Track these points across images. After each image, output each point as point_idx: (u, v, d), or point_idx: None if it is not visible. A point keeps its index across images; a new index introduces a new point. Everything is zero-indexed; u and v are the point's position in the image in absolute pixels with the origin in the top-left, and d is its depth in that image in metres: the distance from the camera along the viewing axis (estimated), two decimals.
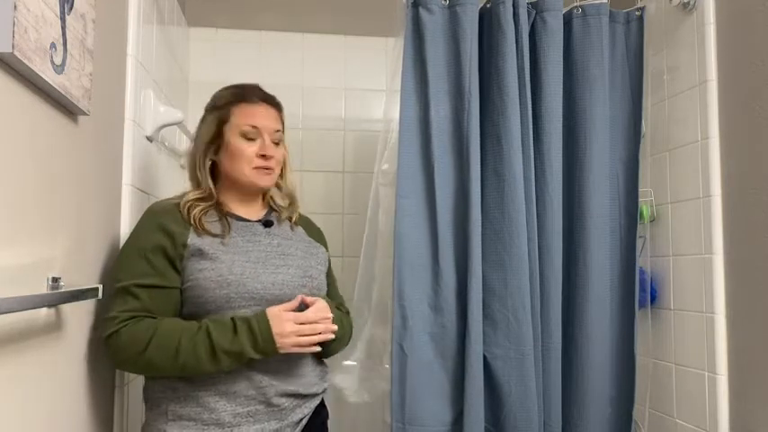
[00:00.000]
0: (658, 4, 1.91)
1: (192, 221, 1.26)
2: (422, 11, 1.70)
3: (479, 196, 1.65)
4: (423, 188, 1.68)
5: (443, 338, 1.65)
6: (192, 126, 1.42)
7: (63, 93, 1.01)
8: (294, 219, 1.43)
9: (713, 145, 1.69)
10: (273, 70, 2.36)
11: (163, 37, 1.85)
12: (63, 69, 1.00)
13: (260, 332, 1.17)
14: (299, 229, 1.44)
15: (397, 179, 1.66)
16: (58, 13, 0.98)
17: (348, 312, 1.48)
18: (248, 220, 1.35)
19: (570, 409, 1.73)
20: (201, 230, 1.26)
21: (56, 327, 1.08)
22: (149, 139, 1.64)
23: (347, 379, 1.80)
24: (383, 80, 2.35)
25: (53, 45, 0.95)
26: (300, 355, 1.28)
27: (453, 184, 1.68)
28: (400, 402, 1.61)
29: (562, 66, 1.75)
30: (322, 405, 1.39)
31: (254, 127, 1.30)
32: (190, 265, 1.22)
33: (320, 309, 1.25)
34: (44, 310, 1.02)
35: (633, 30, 1.86)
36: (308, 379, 1.31)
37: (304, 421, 1.30)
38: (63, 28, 0.99)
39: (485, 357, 1.64)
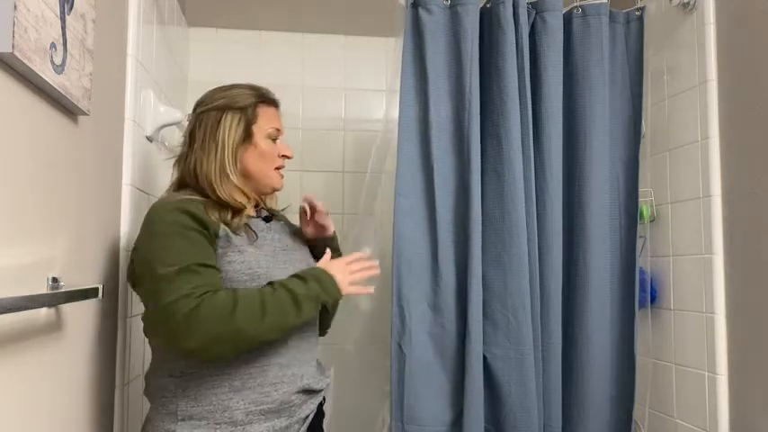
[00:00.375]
0: (658, 4, 1.91)
1: (219, 217, 1.25)
2: (421, 11, 1.70)
3: (480, 196, 1.65)
4: (422, 188, 1.68)
5: (443, 338, 1.65)
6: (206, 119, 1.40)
7: (63, 93, 1.01)
8: (275, 205, 1.45)
9: (713, 145, 1.69)
10: (273, 70, 2.36)
11: (163, 37, 1.85)
12: (63, 69, 1.00)
13: (323, 277, 1.25)
14: (282, 223, 1.46)
15: (396, 179, 1.66)
16: (58, 13, 0.98)
17: None
18: (252, 216, 1.36)
19: (570, 409, 1.74)
20: (231, 223, 1.26)
21: (56, 327, 1.08)
22: (149, 139, 1.64)
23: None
24: (383, 80, 2.35)
25: (53, 45, 0.95)
26: (309, 348, 1.30)
27: (453, 184, 1.68)
28: (399, 402, 1.62)
29: (562, 66, 1.75)
30: (321, 403, 1.39)
31: (278, 130, 1.36)
32: (220, 256, 1.22)
33: (353, 256, 1.34)
34: (44, 310, 1.02)
35: (633, 30, 1.86)
36: (316, 374, 1.32)
37: (310, 418, 1.30)
38: (63, 28, 0.99)
39: (485, 357, 1.64)
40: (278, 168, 1.36)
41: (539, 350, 1.68)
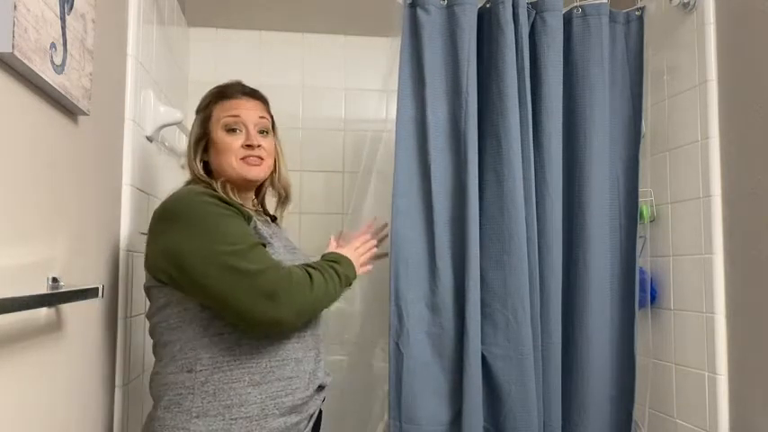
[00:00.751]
0: (658, 4, 1.91)
1: (243, 205, 1.27)
2: (419, 11, 1.70)
3: (477, 196, 1.65)
4: (419, 188, 1.68)
5: (441, 338, 1.65)
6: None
7: (63, 93, 1.01)
8: (284, 214, 1.45)
9: (713, 145, 1.69)
10: (273, 70, 2.36)
11: (163, 37, 1.86)
12: (63, 69, 1.00)
13: (347, 262, 1.37)
14: (284, 228, 1.48)
15: (393, 178, 1.66)
16: (58, 13, 0.98)
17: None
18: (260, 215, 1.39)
19: (570, 409, 1.73)
20: (252, 212, 1.28)
21: (56, 327, 1.08)
22: (149, 139, 1.64)
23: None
24: (382, 80, 2.35)
25: (53, 45, 0.95)
26: (315, 344, 1.31)
27: (451, 184, 1.68)
28: (397, 401, 1.61)
29: (562, 66, 1.75)
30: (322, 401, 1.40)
31: (235, 117, 1.29)
32: None
33: (360, 239, 1.49)
34: (44, 310, 1.02)
35: (633, 30, 1.86)
36: (321, 371, 1.32)
37: (315, 414, 1.31)
38: (63, 28, 0.99)
39: (485, 357, 1.64)
40: (246, 158, 1.29)
41: (539, 350, 1.67)
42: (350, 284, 1.36)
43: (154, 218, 1.22)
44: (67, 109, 1.09)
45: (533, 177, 1.70)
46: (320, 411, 1.39)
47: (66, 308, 1.11)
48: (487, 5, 1.74)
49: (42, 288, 1.00)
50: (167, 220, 1.19)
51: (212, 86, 1.39)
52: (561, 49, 1.75)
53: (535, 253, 1.68)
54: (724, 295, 1.65)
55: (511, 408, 1.63)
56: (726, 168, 1.67)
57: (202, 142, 1.32)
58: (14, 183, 0.90)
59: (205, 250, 1.13)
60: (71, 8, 1.03)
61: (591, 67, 1.77)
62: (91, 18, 1.13)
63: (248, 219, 1.23)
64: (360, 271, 1.42)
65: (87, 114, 1.14)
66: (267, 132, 1.34)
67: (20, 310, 0.85)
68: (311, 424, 1.29)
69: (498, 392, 1.64)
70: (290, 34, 2.41)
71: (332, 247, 1.46)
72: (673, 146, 1.86)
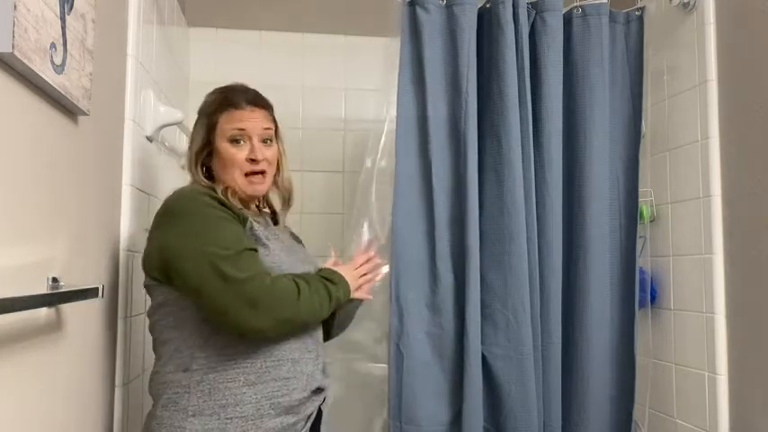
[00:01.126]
0: (658, 4, 1.91)
1: (240, 206, 1.27)
2: (419, 10, 1.70)
3: (477, 195, 1.65)
4: (420, 188, 1.68)
5: (441, 338, 1.65)
6: (192, 126, 1.42)
7: (63, 93, 1.01)
8: (285, 217, 1.45)
9: (713, 145, 1.69)
10: (273, 70, 2.36)
11: (163, 37, 1.85)
12: (63, 69, 1.00)
13: (341, 280, 1.32)
14: (288, 230, 1.47)
15: (395, 179, 1.66)
16: (58, 13, 0.98)
17: None
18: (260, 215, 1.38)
19: (570, 408, 1.74)
20: (250, 215, 1.28)
21: (56, 327, 1.08)
22: (149, 139, 1.64)
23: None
24: (383, 80, 2.35)
25: (53, 45, 0.95)
26: (315, 346, 1.30)
27: (451, 184, 1.68)
28: (398, 402, 1.61)
29: (562, 66, 1.75)
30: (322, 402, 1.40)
31: (241, 130, 1.29)
32: None
33: (363, 268, 1.41)
34: (44, 310, 1.02)
35: (633, 30, 1.86)
36: (320, 373, 1.32)
37: (313, 416, 1.31)
38: (63, 28, 0.99)
39: (485, 357, 1.64)
40: (250, 174, 1.30)
41: (539, 350, 1.67)
42: (339, 304, 1.32)
43: (156, 214, 1.24)
44: (67, 109, 1.09)
45: (533, 177, 1.70)
46: (320, 412, 1.39)
47: (67, 308, 1.10)
48: (487, 5, 1.74)
49: (42, 288, 1.00)
50: (166, 217, 1.21)
51: (212, 86, 1.37)
52: (561, 49, 1.76)
53: (535, 253, 1.68)
54: (724, 295, 1.65)
55: (511, 408, 1.63)
56: (726, 168, 1.67)
57: (205, 151, 1.32)
58: (14, 183, 0.90)
59: (196, 251, 1.15)
60: (71, 8, 1.03)
61: (591, 66, 1.77)
62: (91, 18, 1.13)
63: (244, 221, 1.24)
64: (356, 294, 1.37)
65: (87, 114, 1.14)
66: (271, 140, 1.34)
67: (20, 310, 0.85)
68: (308, 425, 1.29)
69: (498, 392, 1.64)
70: (290, 34, 2.41)
71: (329, 264, 1.40)
72: (673, 146, 1.86)
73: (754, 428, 1.54)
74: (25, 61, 0.86)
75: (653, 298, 1.90)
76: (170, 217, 1.21)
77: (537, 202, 1.71)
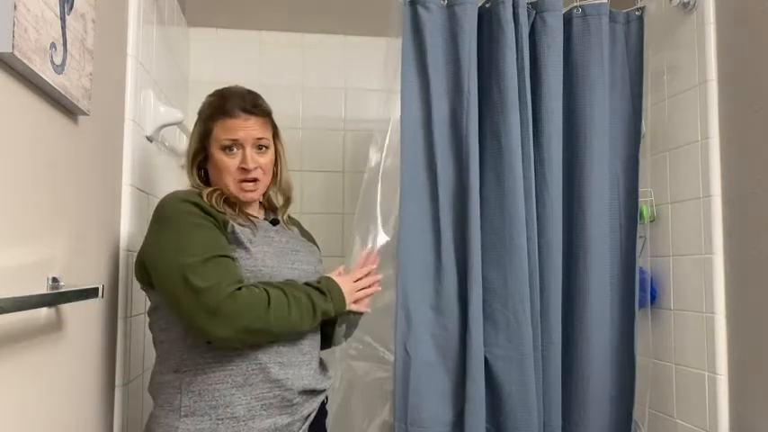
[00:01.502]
0: (658, 4, 1.91)
1: (224, 209, 1.28)
2: (420, 9, 1.70)
3: (478, 195, 1.65)
4: (426, 190, 1.67)
5: (445, 339, 1.64)
6: (192, 126, 1.42)
7: (63, 93, 1.01)
8: (285, 218, 1.45)
9: (713, 145, 1.69)
10: (273, 70, 2.36)
11: (163, 37, 1.85)
12: (63, 69, 1.00)
13: (335, 290, 1.31)
14: (295, 229, 1.47)
15: (400, 181, 1.65)
16: (58, 13, 0.98)
17: None
18: (257, 217, 1.38)
19: (570, 408, 1.73)
20: (235, 218, 1.28)
21: (56, 327, 1.08)
22: (149, 139, 1.64)
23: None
24: (383, 80, 2.34)
25: (53, 45, 0.95)
26: (311, 349, 1.31)
27: (453, 184, 1.68)
28: (403, 403, 1.61)
29: (562, 65, 1.75)
30: (323, 402, 1.39)
31: (233, 140, 1.29)
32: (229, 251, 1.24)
33: (364, 280, 1.40)
34: (44, 310, 1.02)
35: (633, 30, 1.86)
36: (317, 374, 1.32)
37: (312, 416, 1.31)
38: (63, 28, 0.99)
39: (486, 358, 1.64)
40: (242, 182, 1.30)
41: (539, 350, 1.67)
42: (329, 316, 1.30)
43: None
44: (67, 109, 1.09)
45: (533, 177, 1.70)
46: (324, 412, 1.39)
47: (67, 308, 1.10)
48: (487, 5, 1.74)
49: (42, 288, 1.00)
50: (151, 224, 1.26)
51: (212, 86, 1.38)
52: (561, 49, 1.75)
53: (535, 252, 1.68)
54: (724, 295, 1.65)
55: (512, 408, 1.63)
56: (726, 168, 1.67)
57: (200, 155, 1.35)
58: (14, 183, 0.90)
59: (168, 260, 1.19)
60: (71, 8, 1.03)
61: (591, 67, 1.76)
62: (91, 18, 1.13)
63: (225, 225, 1.24)
64: (353, 306, 1.36)
65: (87, 114, 1.14)
66: (267, 148, 1.34)
67: (20, 310, 0.85)
68: (306, 426, 1.29)
69: (499, 393, 1.64)
70: (290, 34, 2.41)
71: (335, 273, 1.39)
72: (673, 146, 1.86)
73: (754, 428, 1.54)
74: (25, 61, 0.86)
75: (653, 298, 1.90)
76: (152, 223, 1.25)
77: (537, 202, 1.71)
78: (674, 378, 1.81)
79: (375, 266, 1.44)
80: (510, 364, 1.63)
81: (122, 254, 1.43)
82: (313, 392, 1.31)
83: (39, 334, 1.01)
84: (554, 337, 1.70)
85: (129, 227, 1.46)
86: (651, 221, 1.92)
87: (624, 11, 1.87)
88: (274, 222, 1.41)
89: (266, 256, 1.27)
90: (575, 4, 1.80)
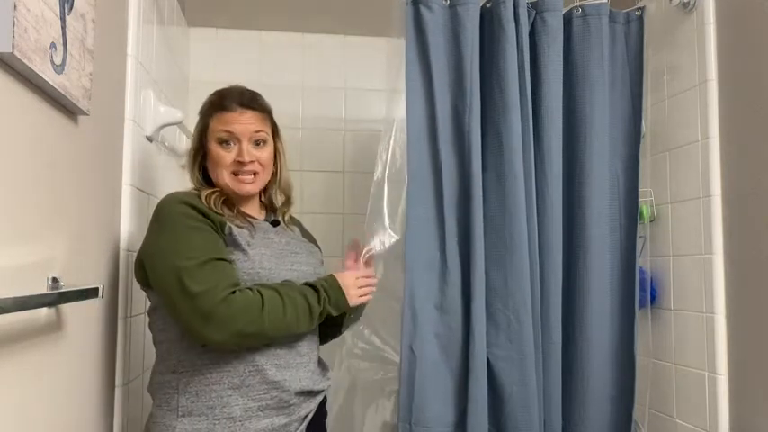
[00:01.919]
0: (658, 4, 1.91)
1: (222, 211, 1.28)
2: (422, 9, 1.70)
3: (481, 195, 1.65)
4: (431, 188, 1.67)
5: (449, 339, 1.64)
6: (192, 126, 1.42)
7: (63, 93, 1.01)
8: (287, 218, 1.45)
9: (713, 145, 1.69)
10: (273, 70, 2.36)
11: (163, 37, 1.85)
12: (63, 69, 1.00)
13: (335, 290, 1.31)
14: (296, 230, 1.47)
15: (407, 183, 1.65)
16: (58, 13, 0.98)
17: None
18: (257, 219, 1.37)
19: (570, 408, 1.73)
20: (233, 220, 1.28)
21: (56, 327, 1.08)
22: (149, 139, 1.64)
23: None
24: (383, 80, 2.35)
25: (53, 45, 0.95)
26: (309, 351, 1.31)
27: (457, 183, 1.68)
28: (408, 403, 1.61)
29: (562, 65, 1.75)
30: (323, 403, 1.39)
31: (229, 132, 1.29)
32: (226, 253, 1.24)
33: (365, 274, 1.42)
34: (44, 310, 1.02)
35: (633, 30, 1.86)
36: (315, 375, 1.32)
37: (310, 416, 1.31)
38: (63, 28, 0.99)
39: (487, 358, 1.64)
40: (237, 174, 1.30)
41: (539, 350, 1.67)
42: (329, 314, 1.30)
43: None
44: (67, 109, 1.09)
45: (534, 177, 1.70)
46: (323, 412, 1.39)
47: (67, 308, 1.10)
48: (488, 5, 1.74)
49: (42, 288, 1.00)
50: (150, 225, 1.26)
51: (212, 86, 1.39)
52: (561, 48, 1.75)
53: (535, 252, 1.68)
54: (724, 295, 1.65)
55: (512, 408, 1.63)
56: (726, 168, 1.67)
57: (200, 152, 1.35)
58: (14, 183, 0.90)
59: (164, 263, 1.19)
60: (71, 8, 1.03)
61: (591, 66, 1.76)
62: (91, 18, 1.13)
63: (222, 227, 1.24)
64: (353, 302, 1.35)
65: (87, 114, 1.14)
66: (265, 143, 1.33)
67: (20, 310, 0.85)
68: (303, 426, 1.29)
69: (500, 393, 1.64)
70: (290, 34, 2.41)
71: (348, 265, 1.43)
72: (673, 146, 1.86)
73: (754, 428, 1.54)
74: (25, 61, 0.86)
75: (653, 298, 1.90)
76: (152, 224, 1.26)
77: (537, 202, 1.71)
78: (674, 378, 1.81)
79: (369, 262, 1.47)
80: (511, 364, 1.63)
81: (122, 254, 1.43)
82: (311, 393, 1.31)
83: (39, 334, 1.01)
84: (554, 337, 1.70)
85: (129, 227, 1.46)
86: (651, 221, 1.92)
87: (624, 11, 1.87)
88: (275, 223, 1.41)
89: (264, 258, 1.27)
90: (575, 4, 1.80)
